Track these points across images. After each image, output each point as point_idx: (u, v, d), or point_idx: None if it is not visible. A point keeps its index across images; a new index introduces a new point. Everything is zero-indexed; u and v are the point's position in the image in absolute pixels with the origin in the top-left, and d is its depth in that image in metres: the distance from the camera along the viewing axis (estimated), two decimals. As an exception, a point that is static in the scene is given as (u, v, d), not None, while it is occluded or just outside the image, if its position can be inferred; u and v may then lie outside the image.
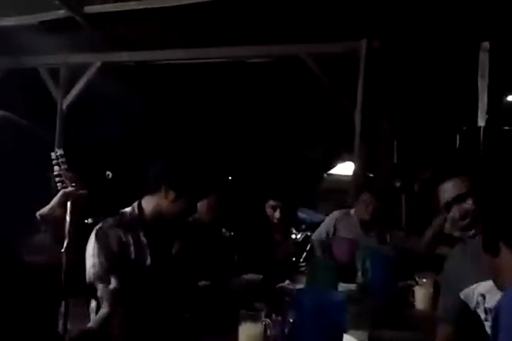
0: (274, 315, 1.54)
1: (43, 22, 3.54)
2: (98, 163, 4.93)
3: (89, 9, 3.41)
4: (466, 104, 3.71)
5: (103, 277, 1.55)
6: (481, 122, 3.42)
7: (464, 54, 3.46)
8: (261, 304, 1.79)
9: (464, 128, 5.26)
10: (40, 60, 4.16)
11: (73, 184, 1.42)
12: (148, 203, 1.73)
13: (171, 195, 1.67)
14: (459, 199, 1.30)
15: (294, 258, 3.35)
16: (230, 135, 5.64)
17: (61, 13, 3.48)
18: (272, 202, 2.62)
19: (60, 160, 1.47)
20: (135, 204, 1.76)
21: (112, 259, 1.58)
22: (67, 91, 4.07)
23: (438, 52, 3.48)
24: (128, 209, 1.76)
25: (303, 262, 3.57)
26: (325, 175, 10.16)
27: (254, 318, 1.39)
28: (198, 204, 2.56)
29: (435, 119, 4.91)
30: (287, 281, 2.23)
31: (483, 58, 3.33)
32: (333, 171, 10.59)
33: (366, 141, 4.11)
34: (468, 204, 1.29)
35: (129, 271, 1.60)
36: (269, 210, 2.63)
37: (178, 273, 1.77)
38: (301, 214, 4.70)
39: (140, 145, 5.33)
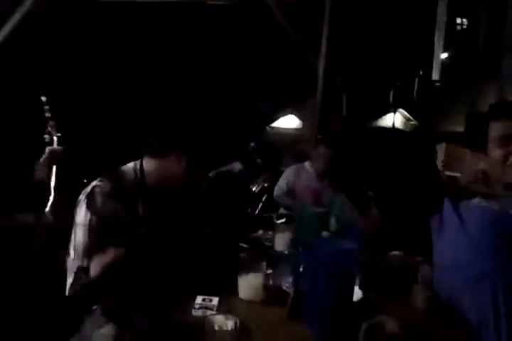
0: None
1: None
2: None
3: None
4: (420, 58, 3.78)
5: (86, 248, 1.41)
6: (436, 76, 3.46)
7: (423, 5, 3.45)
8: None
9: (398, 84, 5.49)
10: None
11: (58, 134, 1.34)
12: (154, 168, 1.54)
13: (183, 161, 1.54)
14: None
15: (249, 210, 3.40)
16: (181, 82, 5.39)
17: None
18: None
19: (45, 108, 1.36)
20: (136, 167, 1.55)
21: (102, 230, 1.42)
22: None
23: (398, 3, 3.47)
24: (127, 171, 1.55)
25: (260, 213, 3.64)
26: (267, 128, 10.26)
27: (255, 269, 1.40)
28: None
29: (384, 74, 5.04)
30: (260, 231, 2.25)
31: (442, 8, 3.27)
32: (276, 124, 10.72)
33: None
34: None
35: (120, 241, 1.45)
36: None
37: (172, 241, 1.67)
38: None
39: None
